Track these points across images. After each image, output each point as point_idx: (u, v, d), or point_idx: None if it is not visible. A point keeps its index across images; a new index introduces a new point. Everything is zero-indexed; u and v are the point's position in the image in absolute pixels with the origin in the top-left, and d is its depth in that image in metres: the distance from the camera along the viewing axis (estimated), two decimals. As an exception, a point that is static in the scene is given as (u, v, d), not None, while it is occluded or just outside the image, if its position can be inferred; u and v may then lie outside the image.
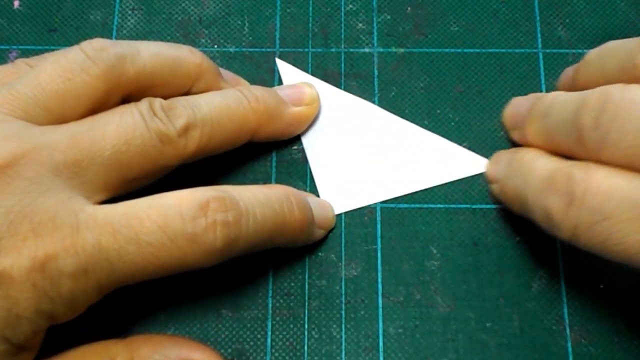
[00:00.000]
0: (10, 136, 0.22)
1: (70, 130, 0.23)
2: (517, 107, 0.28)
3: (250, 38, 0.32)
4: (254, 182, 0.29)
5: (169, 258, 0.22)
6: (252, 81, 0.31)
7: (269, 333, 0.27)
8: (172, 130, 0.24)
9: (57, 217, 0.21)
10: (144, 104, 0.25)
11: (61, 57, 0.24)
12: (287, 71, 0.31)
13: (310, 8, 0.33)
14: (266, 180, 0.29)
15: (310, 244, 0.28)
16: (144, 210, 0.22)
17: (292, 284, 0.28)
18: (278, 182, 0.29)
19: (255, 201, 0.24)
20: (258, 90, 0.28)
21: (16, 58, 0.31)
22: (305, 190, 0.29)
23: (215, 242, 0.23)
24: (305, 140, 0.30)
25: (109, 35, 0.32)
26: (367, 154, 0.30)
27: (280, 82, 0.31)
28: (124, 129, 0.24)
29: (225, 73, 0.30)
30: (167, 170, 0.26)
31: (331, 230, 0.29)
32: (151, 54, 0.26)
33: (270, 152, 0.30)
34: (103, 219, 0.22)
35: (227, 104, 0.27)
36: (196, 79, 0.27)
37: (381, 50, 0.32)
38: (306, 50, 0.32)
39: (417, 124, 0.30)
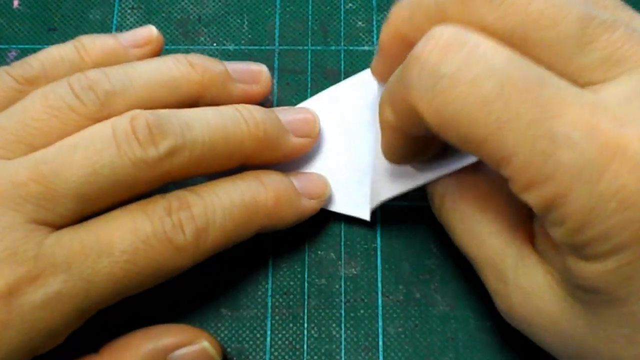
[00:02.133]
0: None
1: (34, 159, 0.22)
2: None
3: (250, 36, 0.32)
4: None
5: (145, 261, 0.22)
6: (252, 79, 0.31)
7: (269, 332, 0.27)
8: (153, 154, 0.22)
9: (18, 252, 0.20)
10: (123, 121, 0.22)
11: (49, 92, 0.23)
12: None
13: (310, 6, 0.33)
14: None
15: (310, 242, 0.28)
16: (111, 221, 0.22)
17: (292, 283, 0.28)
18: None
19: (219, 189, 0.24)
20: (259, 114, 0.25)
21: (16, 58, 0.31)
22: None
23: (186, 238, 0.23)
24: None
25: (108, 34, 0.32)
26: (364, 156, 0.29)
27: (280, 80, 0.31)
28: (91, 156, 0.22)
29: (237, 67, 0.27)
30: (146, 192, 0.23)
31: (329, 228, 0.28)
32: (145, 83, 0.24)
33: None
34: (69, 240, 0.21)
35: (223, 125, 0.24)
36: (200, 97, 0.25)
37: (381, 48, 0.32)
38: (305, 48, 0.32)
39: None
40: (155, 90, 0.24)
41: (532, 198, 0.18)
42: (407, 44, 0.21)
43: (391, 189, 0.26)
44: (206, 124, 0.24)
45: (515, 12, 0.19)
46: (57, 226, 0.22)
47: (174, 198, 0.23)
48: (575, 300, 0.20)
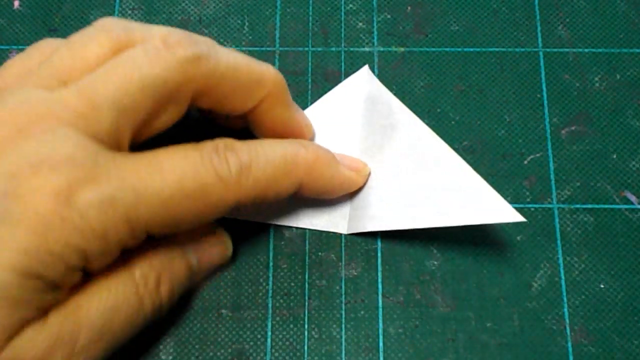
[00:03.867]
0: (24, 102, 0.23)
1: (76, 86, 0.23)
2: None
3: (250, 37, 0.32)
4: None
5: (192, 186, 0.23)
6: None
7: (269, 333, 0.27)
8: (180, 54, 0.24)
9: (76, 158, 0.22)
10: (153, 39, 0.24)
11: (71, 35, 0.25)
12: (373, 84, 0.30)
13: (310, 7, 0.33)
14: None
15: (311, 244, 0.28)
16: (162, 151, 0.24)
17: (292, 284, 0.28)
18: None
19: (263, 141, 0.26)
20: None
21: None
22: None
23: (230, 171, 0.24)
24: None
25: (109, 35, 0.32)
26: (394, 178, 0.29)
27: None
28: (122, 70, 0.23)
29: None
30: (181, 107, 0.25)
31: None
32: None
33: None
34: (122, 158, 0.23)
35: (248, 60, 0.26)
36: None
37: (381, 49, 0.32)
38: (306, 49, 0.32)
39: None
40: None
41: None
42: None
43: (386, 224, 0.28)
44: (231, 54, 0.26)
45: None
46: (110, 145, 0.23)
47: (221, 141, 0.25)
48: None
